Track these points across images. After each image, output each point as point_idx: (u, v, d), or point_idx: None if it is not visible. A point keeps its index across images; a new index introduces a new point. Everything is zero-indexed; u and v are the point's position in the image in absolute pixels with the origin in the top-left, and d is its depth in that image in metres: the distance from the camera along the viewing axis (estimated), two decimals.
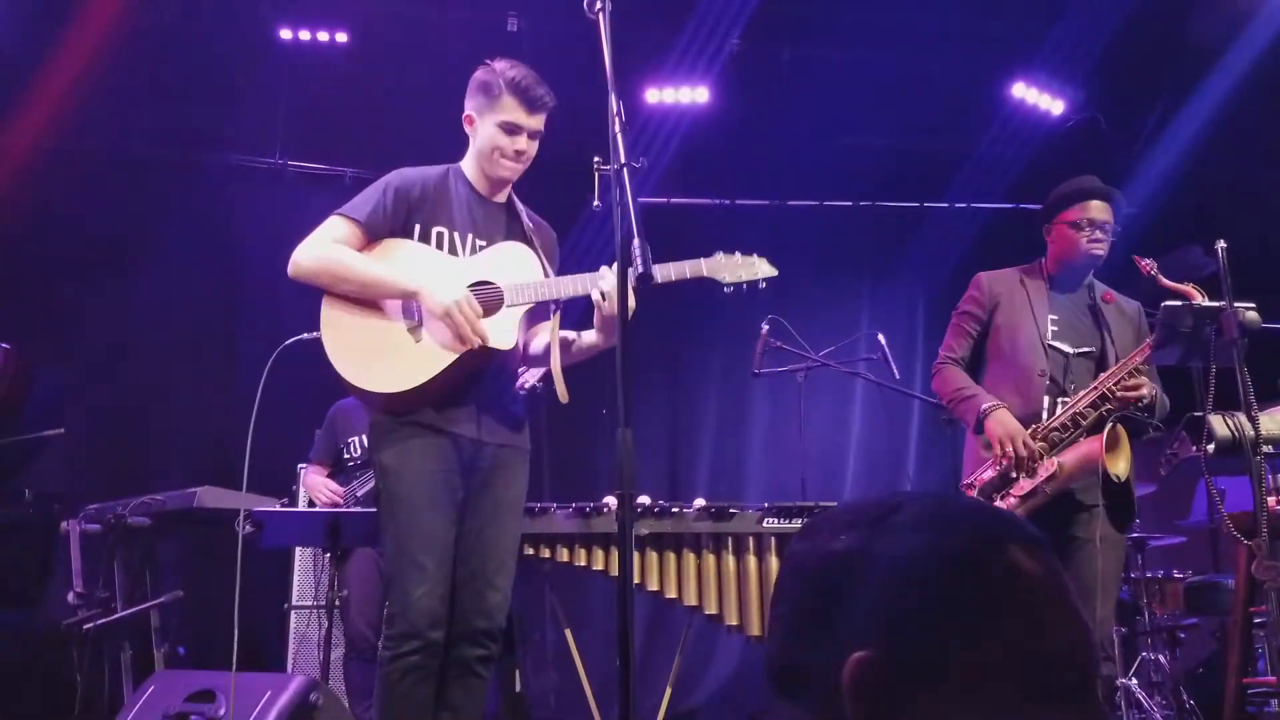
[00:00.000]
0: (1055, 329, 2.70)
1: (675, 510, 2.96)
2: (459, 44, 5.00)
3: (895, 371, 4.01)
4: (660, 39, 4.95)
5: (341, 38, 4.80)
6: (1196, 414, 2.34)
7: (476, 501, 2.23)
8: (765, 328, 3.89)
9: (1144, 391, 2.56)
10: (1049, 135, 5.37)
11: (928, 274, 5.72)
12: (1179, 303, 2.47)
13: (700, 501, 3.02)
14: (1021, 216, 5.20)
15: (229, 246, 4.98)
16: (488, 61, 2.34)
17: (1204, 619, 4.07)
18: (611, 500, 2.85)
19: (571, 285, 2.23)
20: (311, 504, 3.69)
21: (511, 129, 2.28)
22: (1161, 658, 3.85)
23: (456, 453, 2.20)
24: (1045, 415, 2.60)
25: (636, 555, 2.90)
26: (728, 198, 5.51)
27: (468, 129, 2.35)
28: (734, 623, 2.92)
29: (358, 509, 3.45)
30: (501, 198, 2.39)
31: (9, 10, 4.29)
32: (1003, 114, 5.30)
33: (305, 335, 2.44)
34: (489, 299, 2.23)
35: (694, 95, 5.12)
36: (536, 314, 2.33)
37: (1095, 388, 2.58)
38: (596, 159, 1.97)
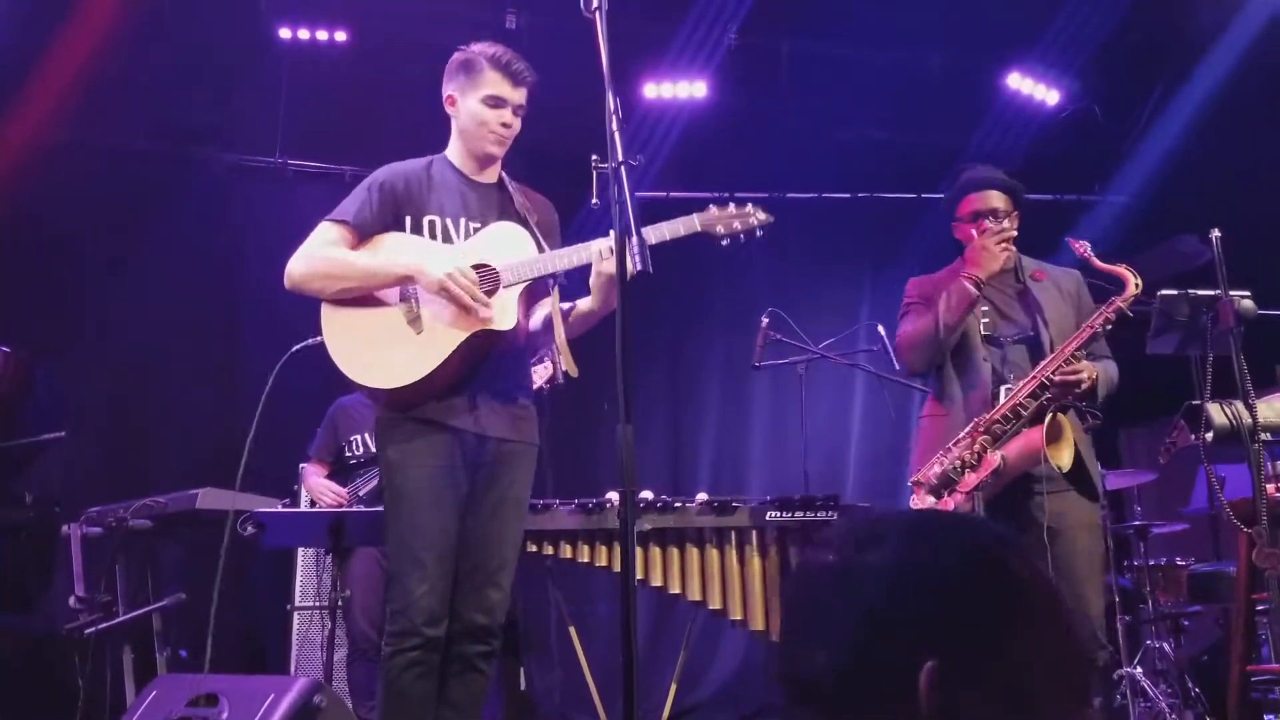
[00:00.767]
0: (986, 320, 2.65)
1: (678, 505, 2.96)
2: (458, 41, 4.96)
3: (895, 363, 4.01)
4: (659, 34, 4.95)
5: (341, 36, 4.80)
6: (1195, 402, 2.34)
7: (480, 497, 2.22)
8: (765, 320, 3.89)
9: (1083, 376, 2.49)
10: (1045, 125, 5.38)
11: (926, 265, 5.64)
12: (1175, 291, 2.46)
13: (702, 495, 3.03)
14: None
15: (229, 246, 4.98)
16: (462, 47, 2.34)
17: (1207, 606, 4.07)
18: (614, 495, 2.85)
19: (567, 257, 2.21)
20: (313, 504, 3.69)
21: (496, 102, 2.27)
22: (1166, 646, 3.85)
23: (460, 448, 2.19)
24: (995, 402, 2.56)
25: (639, 550, 2.90)
26: (727, 191, 5.50)
27: (450, 110, 2.34)
28: (738, 618, 2.93)
29: (360, 509, 3.45)
30: (491, 176, 2.37)
31: (8, 7, 4.28)
32: (999, 105, 5.30)
33: (310, 341, 2.43)
34: (485, 281, 2.20)
35: (692, 90, 5.12)
36: (535, 292, 2.31)
37: (1034, 377, 2.52)
38: (594, 157, 1.97)
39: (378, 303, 2.22)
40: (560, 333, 2.21)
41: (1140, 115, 5.26)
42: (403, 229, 2.26)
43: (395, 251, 2.22)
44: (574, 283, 2.33)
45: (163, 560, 3.75)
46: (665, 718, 3.63)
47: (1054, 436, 2.46)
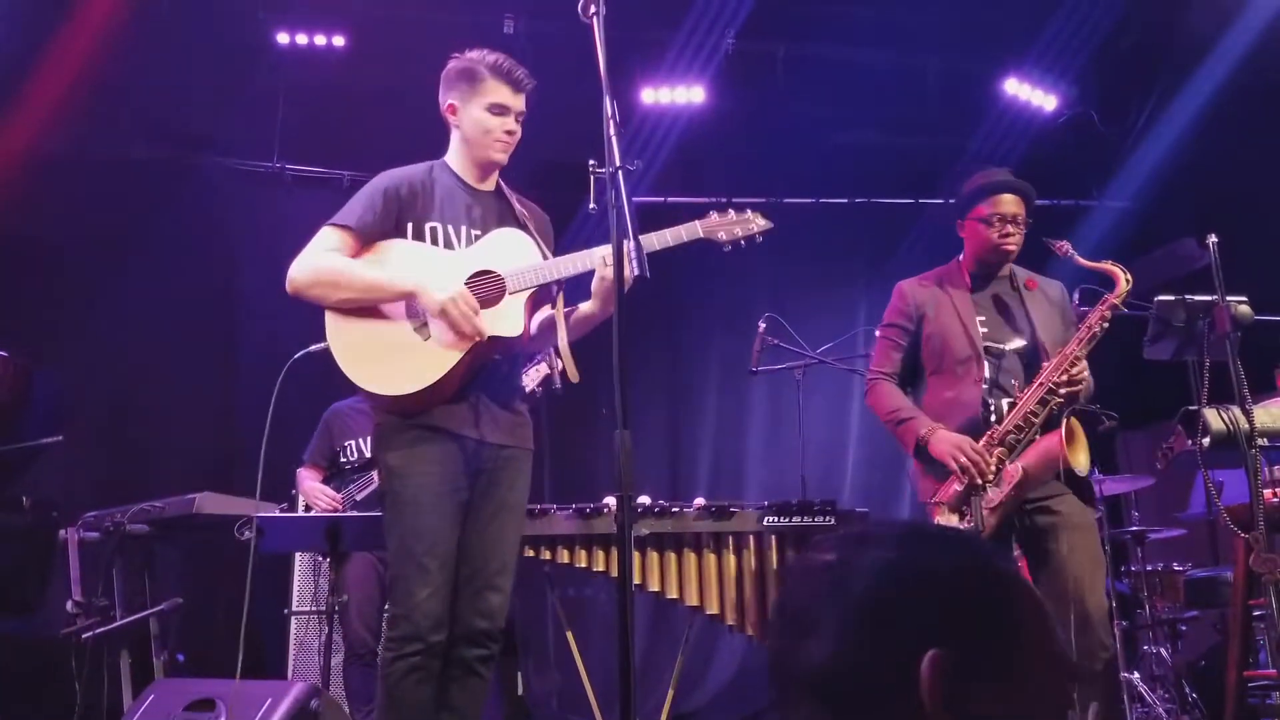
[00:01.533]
0: (985, 330, 2.64)
1: (675, 510, 2.97)
2: (456, 46, 4.97)
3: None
4: (657, 38, 4.96)
5: (339, 41, 4.81)
6: (1192, 408, 2.34)
7: (480, 502, 2.22)
8: (762, 326, 3.90)
9: (1085, 378, 2.49)
10: (1042, 131, 5.39)
11: (924, 270, 5.71)
12: (1171, 297, 2.47)
13: (700, 501, 3.03)
14: None
15: (228, 251, 4.98)
16: (457, 55, 2.34)
17: (1205, 612, 4.07)
18: (611, 501, 2.85)
19: (571, 264, 2.21)
20: (307, 509, 3.68)
21: (500, 110, 2.28)
22: (1163, 651, 3.85)
23: (461, 454, 2.19)
24: (993, 419, 2.54)
25: (637, 555, 2.90)
26: (724, 196, 5.52)
27: (450, 119, 2.34)
28: (734, 622, 2.93)
29: (356, 513, 3.45)
30: (490, 184, 2.37)
31: (6, 13, 4.29)
32: (996, 110, 5.32)
33: (314, 347, 2.41)
34: (491, 288, 2.21)
35: (690, 95, 5.12)
36: (540, 298, 2.31)
37: (1040, 384, 2.51)
38: (592, 162, 1.97)
39: (384, 311, 2.22)
40: (564, 338, 2.22)
41: (1137, 120, 5.27)
42: (404, 235, 2.26)
43: (398, 261, 2.22)
44: (569, 287, 2.33)
45: (160, 565, 3.74)
46: None
47: (1069, 440, 2.46)
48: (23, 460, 3.93)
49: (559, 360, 2.25)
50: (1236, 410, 2.31)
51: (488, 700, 2.33)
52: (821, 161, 5.38)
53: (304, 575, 3.98)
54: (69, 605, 3.32)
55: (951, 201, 5.61)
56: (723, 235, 2.24)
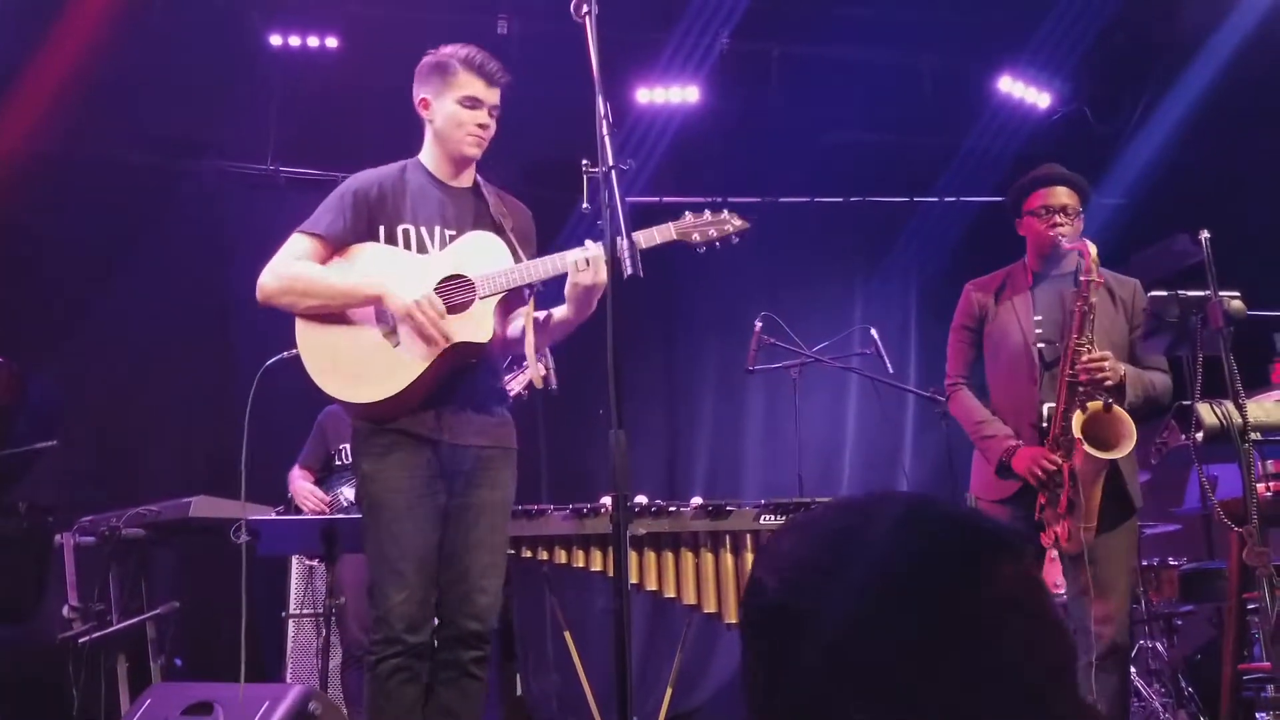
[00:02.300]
0: (1040, 330, 2.64)
1: (672, 509, 2.97)
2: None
3: (889, 366, 4.02)
4: (651, 39, 4.96)
5: (332, 43, 4.80)
6: (1185, 403, 2.35)
7: (460, 505, 2.21)
8: (758, 325, 3.90)
9: (1105, 366, 2.47)
10: (1036, 128, 5.40)
11: (919, 268, 5.74)
12: (1164, 292, 2.47)
13: (697, 500, 3.03)
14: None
15: (221, 254, 4.97)
16: (432, 50, 2.33)
17: (1200, 606, 4.09)
18: (608, 501, 2.85)
19: (543, 267, 2.19)
20: (297, 511, 3.68)
21: (473, 103, 2.26)
22: (1159, 645, 3.86)
23: (436, 458, 2.18)
24: (1044, 423, 2.57)
25: (634, 555, 2.91)
26: (719, 195, 5.51)
27: (423, 113, 2.31)
28: (733, 620, 2.93)
29: (349, 515, 3.45)
30: (466, 181, 2.34)
31: None
32: (990, 108, 5.33)
33: (285, 354, 2.41)
34: (460, 293, 2.19)
35: (684, 94, 5.13)
36: (512, 301, 2.29)
37: (1062, 382, 2.52)
38: (585, 161, 1.98)
39: (353, 317, 2.21)
40: (531, 345, 2.21)
41: (1130, 117, 5.29)
42: (376, 238, 2.23)
43: (367, 266, 2.21)
44: (549, 289, 2.32)
45: (156, 569, 3.74)
46: None
47: (1102, 430, 2.44)
48: (17, 466, 3.92)
49: (529, 367, 2.23)
50: (1230, 405, 2.31)
51: (486, 702, 2.33)
52: (816, 160, 5.38)
53: (299, 578, 3.98)
54: (65, 610, 3.31)
55: (948, 200, 5.69)
56: (696, 236, 2.22)
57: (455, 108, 2.26)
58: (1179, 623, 4.00)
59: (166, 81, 4.60)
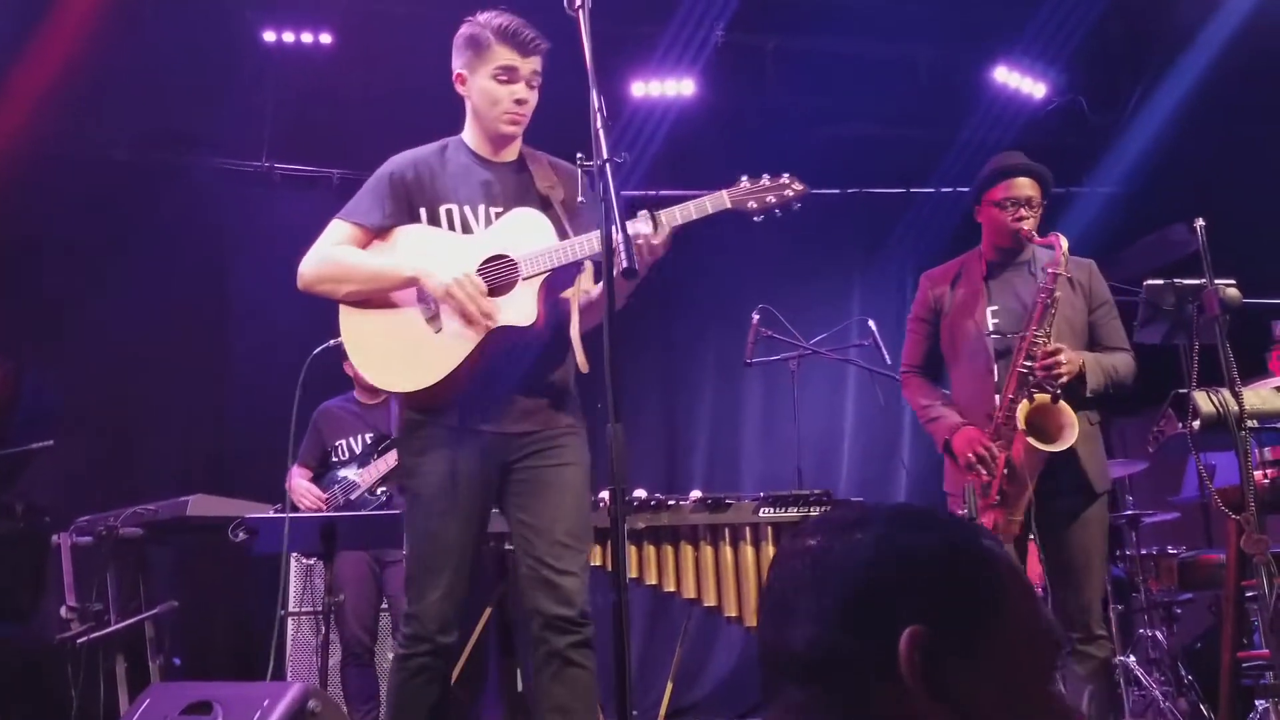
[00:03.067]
0: (995, 320, 2.62)
1: (671, 503, 2.97)
2: (444, 42, 4.97)
3: (887, 357, 4.02)
4: (647, 32, 4.95)
5: (326, 38, 4.78)
6: (1182, 391, 2.35)
7: (517, 493, 2.12)
8: (756, 317, 3.90)
9: (1059, 359, 2.45)
10: (1032, 118, 5.40)
11: (916, 259, 5.72)
12: (1160, 281, 2.47)
13: (696, 493, 3.03)
14: None
15: (217, 251, 4.96)
16: (469, 18, 2.21)
17: (1199, 594, 4.09)
18: (606, 495, 2.85)
19: (588, 244, 2.03)
20: (294, 509, 3.67)
21: (508, 74, 2.13)
22: (1158, 634, 3.87)
23: (480, 451, 2.09)
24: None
25: (634, 549, 2.90)
26: (716, 189, 5.51)
27: (460, 89, 2.19)
28: (733, 614, 2.93)
29: (345, 513, 3.45)
30: (511, 155, 2.22)
31: None
32: (986, 99, 5.32)
33: (331, 342, 2.33)
34: (503, 273, 2.07)
35: (680, 88, 5.12)
36: (561, 279, 2.13)
37: (1013, 372, 2.50)
38: (579, 155, 1.97)
39: (395, 303, 2.11)
40: (576, 329, 2.09)
41: (1126, 106, 5.28)
42: (419, 220, 2.14)
43: (408, 249, 2.12)
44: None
45: (154, 568, 3.73)
46: (662, 716, 3.63)
47: (1043, 420, 2.44)
48: (14, 465, 3.91)
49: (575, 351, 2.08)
50: (1226, 393, 2.31)
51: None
52: (812, 153, 5.36)
53: (298, 576, 3.98)
54: (63, 610, 3.31)
55: (944, 191, 5.69)
56: (753, 204, 2.08)
57: (490, 83, 2.14)
58: (1178, 611, 4.01)
59: (160, 77, 4.58)
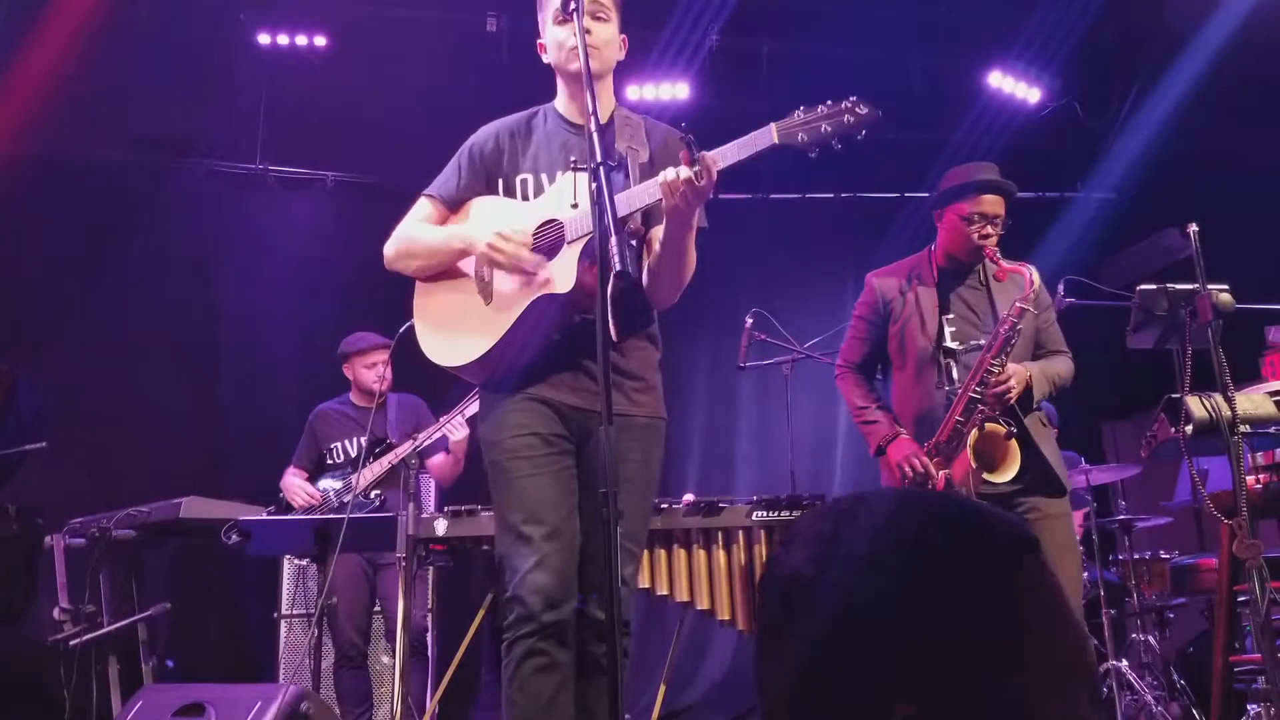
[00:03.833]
0: (952, 329, 2.61)
1: (664, 506, 2.96)
2: (438, 44, 5.00)
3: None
4: (641, 36, 4.96)
5: (320, 41, 4.79)
6: (1174, 396, 2.36)
7: (589, 478, 1.97)
8: (749, 321, 3.90)
9: (1010, 384, 2.47)
10: (1026, 123, 5.42)
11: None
12: (1153, 286, 2.48)
13: (689, 497, 3.02)
14: None
15: (211, 253, 4.95)
16: None
17: (1191, 599, 4.10)
18: None
19: (628, 201, 1.90)
20: (289, 508, 3.66)
21: (566, 12, 1.94)
22: (1151, 638, 3.88)
23: (560, 419, 1.98)
24: None
25: None
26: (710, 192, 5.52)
27: (543, 57, 2.11)
28: (726, 617, 2.92)
29: (338, 515, 3.44)
30: (602, 117, 2.03)
31: None
32: (980, 103, 5.34)
33: (410, 324, 2.22)
34: (551, 236, 1.98)
35: (674, 91, 5.13)
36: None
37: (962, 394, 2.50)
38: (573, 158, 1.97)
39: (456, 276, 2.05)
40: (606, 295, 1.85)
41: (1120, 111, 5.31)
42: (496, 191, 2.08)
43: (475, 220, 2.05)
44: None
45: (147, 570, 3.72)
46: (655, 719, 3.62)
47: (990, 448, 2.47)
48: (7, 467, 3.90)
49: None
50: (1219, 398, 2.32)
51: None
52: (806, 157, 5.38)
53: (292, 578, 3.97)
54: (56, 612, 3.30)
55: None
56: (803, 137, 1.93)
57: (554, 28, 2.03)
58: (1170, 615, 4.02)
59: (155, 80, 4.59)
